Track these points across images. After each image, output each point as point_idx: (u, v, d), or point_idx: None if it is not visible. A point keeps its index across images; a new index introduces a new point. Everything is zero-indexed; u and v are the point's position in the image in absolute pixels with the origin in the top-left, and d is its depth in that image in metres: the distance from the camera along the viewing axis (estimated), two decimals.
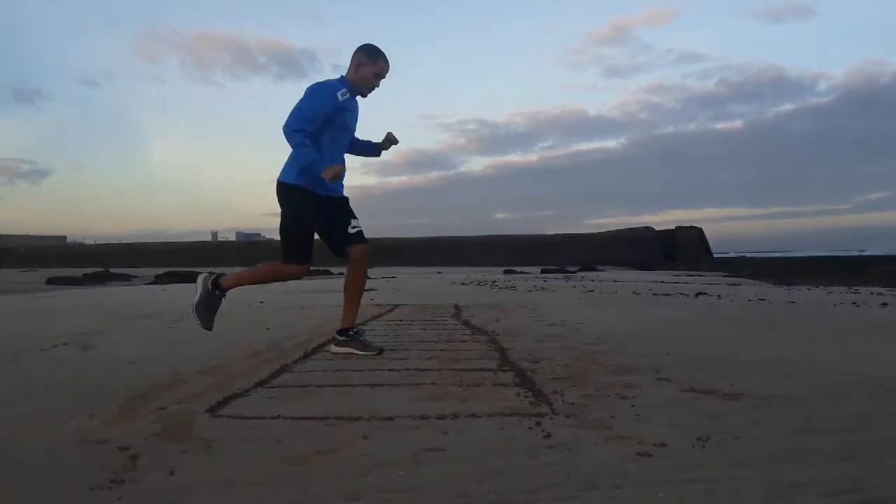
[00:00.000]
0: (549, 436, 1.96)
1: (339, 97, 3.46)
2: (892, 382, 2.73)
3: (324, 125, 3.43)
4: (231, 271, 3.69)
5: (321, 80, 3.53)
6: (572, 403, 2.36)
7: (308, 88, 3.47)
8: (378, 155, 3.87)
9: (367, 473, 1.64)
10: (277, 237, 3.54)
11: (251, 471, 1.67)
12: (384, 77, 3.60)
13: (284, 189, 3.50)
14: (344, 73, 3.58)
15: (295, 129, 3.34)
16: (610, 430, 2.03)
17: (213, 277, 3.55)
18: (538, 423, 2.09)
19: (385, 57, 3.56)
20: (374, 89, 3.60)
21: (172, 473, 1.65)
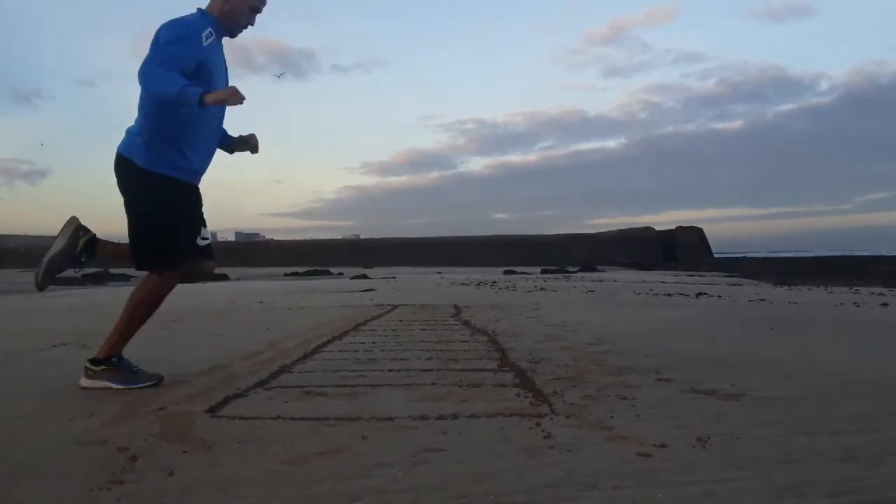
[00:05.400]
0: (549, 436, 1.96)
1: (204, 40, 2.48)
2: (893, 382, 2.73)
3: None
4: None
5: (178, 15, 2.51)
6: (572, 404, 2.36)
7: (162, 28, 2.45)
8: (230, 152, 2.90)
9: (367, 474, 1.64)
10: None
11: (251, 471, 1.67)
12: (261, 12, 2.68)
13: (131, 171, 2.59)
14: (203, 7, 2.61)
15: (163, 64, 2.36)
16: (610, 430, 2.02)
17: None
18: (538, 424, 2.09)
19: None
20: (245, 28, 2.67)
21: (172, 474, 1.65)
